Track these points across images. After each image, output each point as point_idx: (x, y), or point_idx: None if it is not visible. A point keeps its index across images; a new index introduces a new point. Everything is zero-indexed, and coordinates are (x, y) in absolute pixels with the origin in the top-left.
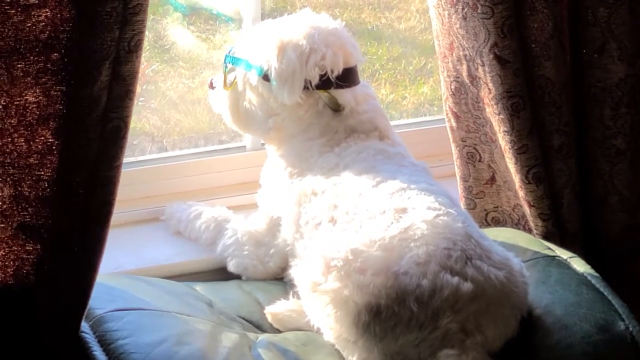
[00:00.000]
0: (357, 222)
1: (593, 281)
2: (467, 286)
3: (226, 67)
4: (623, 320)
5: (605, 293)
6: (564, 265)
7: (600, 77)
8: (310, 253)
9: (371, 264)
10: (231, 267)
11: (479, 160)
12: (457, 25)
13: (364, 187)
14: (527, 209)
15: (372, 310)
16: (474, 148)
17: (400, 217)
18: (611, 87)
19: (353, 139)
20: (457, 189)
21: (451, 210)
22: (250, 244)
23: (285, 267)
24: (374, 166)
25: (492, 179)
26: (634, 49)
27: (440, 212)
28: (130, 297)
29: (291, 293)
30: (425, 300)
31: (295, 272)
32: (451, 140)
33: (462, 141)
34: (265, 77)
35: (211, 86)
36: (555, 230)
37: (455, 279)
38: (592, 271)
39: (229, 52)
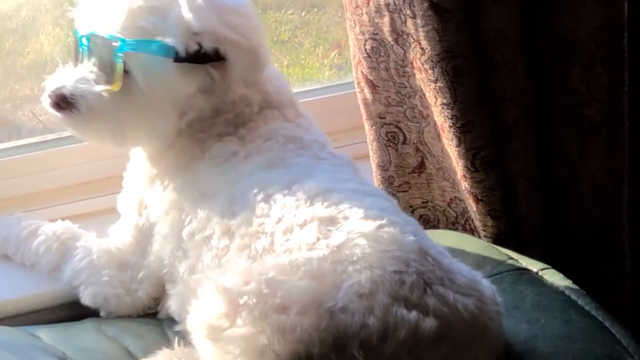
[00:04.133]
0: (265, 238)
1: (581, 301)
2: (429, 323)
3: (110, 56)
4: (631, 355)
5: (601, 318)
6: (537, 281)
7: (567, 25)
8: (205, 288)
9: (296, 299)
10: (86, 298)
11: (403, 142)
12: None
13: (271, 188)
14: (472, 205)
15: None
16: (397, 126)
17: (329, 230)
18: (582, 38)
19: (263, 117)
20: (372, 180)
21: (396, 219)
22: (111, 267)
23: (159, 297)
24: (283, 159)
25: (421, 166)
26: None
27: (383, 221)
28: None
29: (175, 338)
30: (374, 347)
31: (175, 304)
32: (364, 116)
33: (380, 118)
34: (182, 59)
35: (62, 102)
36: (509, 231)
37: (413, 314)
38: (575, 286)
39: (89, 33)
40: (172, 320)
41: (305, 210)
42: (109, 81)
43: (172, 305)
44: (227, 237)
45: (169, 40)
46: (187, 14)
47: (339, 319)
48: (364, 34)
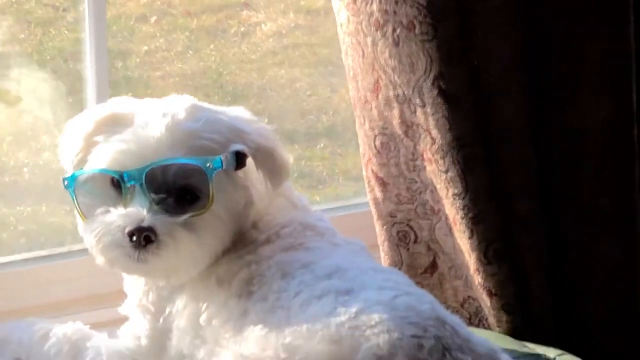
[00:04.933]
0: (282, 312)
1: None
2: None
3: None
4: None
5: None
6: None
7: (578, 119)
8: (222, 356)
9: None
10: None
11: (415, 242)
12: (386, 55)
13: (291, 267)
14: (486, 300)
15: None
16: (408, 225)
17: (346, 300)
18: (593, 131)
19: (276, 207)
20: None
21: (412, 290)
22: None
23: None
24: (302, 243)
25: (434, 266)
26: (620, 77)
27: (399, 292)
28: None
29: None
30: None
31: None
32: (375, 217)
33: (391, 217)
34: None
35: (151, 235)
36: (524, 326)
37: None
38: None
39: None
40: None
41: (323, 284)
42: (183, 209)
43: None
44: (244, 317)
45: (235, 148)
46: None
47: None
48: (373, 130)
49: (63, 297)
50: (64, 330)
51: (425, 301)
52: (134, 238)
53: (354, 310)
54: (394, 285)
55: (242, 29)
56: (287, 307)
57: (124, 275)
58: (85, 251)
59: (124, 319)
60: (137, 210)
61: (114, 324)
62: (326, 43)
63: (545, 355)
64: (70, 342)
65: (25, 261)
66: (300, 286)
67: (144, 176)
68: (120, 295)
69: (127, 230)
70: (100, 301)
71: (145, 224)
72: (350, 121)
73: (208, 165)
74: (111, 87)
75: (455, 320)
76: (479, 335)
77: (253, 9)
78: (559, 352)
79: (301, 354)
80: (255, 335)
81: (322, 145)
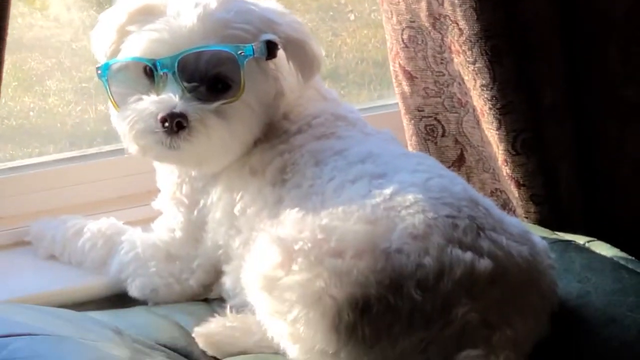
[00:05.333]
0: (316, 197)
1: (630, 265)
2: (484, 264)
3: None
4: None
5: None
6: (585, 249)
7: (602, 5)
8: (259, 241)
9: (351, 243)
10: (134, 290)
11: (442, 135)
12: None
13: (323, 154)
14: (514, 191)
15: (358, 306)
16: (435, 118)
17: (380, 182)
18: (618, 18)
19: (306, 99)
20: None
21: (445, 172)
22: (158, 259)
23: (209, 284)
24: (334, 132)
25: (461, 159)
26: None
27: (432, 174)
28: (11, 322)
29: (228, 307)
30: (430, 286)
31: (229, 281)
32: (403, 111)
33: (419, 111)
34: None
35: (185, 121)
36: (552, 217)
37: (468, 255)
38: (623, 254)
39: (180, 52)
40: (221, 300)
41: (356, 168)
42: (215, 97)
43: (226, 282)
44: (278, 204)
45: (265, 37)
46: (266, 8)
47: (394, 260)
48: (401, 24)
49: (94, 197)
50: (97, 225)
51: (457, 182)
52: (166, 124)
53: (388, 191)
54: (426, 168)
55: None
56: (321, 192)
57: (157, 168)
58: (114, 152)
59: (155, 218)
60: (169, 97)
61: (146, 222)
62: None
63: (575, 242)
64: (104, 236)
65: (56, 161)
66: (333, 172)
67: (176, 64)
68: (150, 196)
69: (159, 116)
70: (131, 200)
71: (177, 110)
72: (352, 63)
73: (240, 52)
74: None
75: (488, 202)
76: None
77: None
78: (588, 238)
79: (337, 234)
80: (291, 218)
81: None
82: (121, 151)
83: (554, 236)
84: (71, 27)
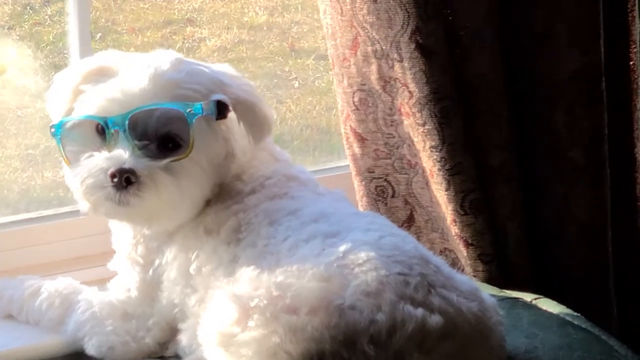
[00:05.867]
0: (271, 257)
1: (576, 321)
2: (435, 319)
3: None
4: None
5: (597, 332)
6: (532, 306)
7: (549, 71)
8: (215, 298)
9: (305, 299)
10: (91, 348)
11: (393, 196)
12: (364, 11)
13: (277, 214)
14: (463, 250)
15: None
16: (385, 179)
17: (333, 241)
18: (563, 83)
19: (260, 162)
20: None
21: (396, 231)
22: (115, 318)
23: (166, 342)
24: (286, 193)
25: (410, 219)
26: (589, 29)
27: (384, 233)
28: None
29: None
30: (383, 341)
31: (186, 338)
32: (353, 173)
33: (369, 172)
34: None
35: (133, 177)
36: (500, 274)
37: (420, 311)
38: (569, 311)
39: (130, 110)
40: (177, 358)
41: (310, 227)
42: (165, 155)
43: (183, 339)
44: (233, 263)
45: (215, 97)
46: (217, 71)
47: (348, 316)
48: (352, 86)
49: (50, 257)
50: (54, 285)
51: (408, 241)
52: (115, 179)
53: (341, 250)
54: (378, 227)
55: (187, 44)
56: (275, 251)
57: (112, 228)
58: (70, 213)
59: (110, 278)
60: (119, 154)
61: (101, 282)
62: (269, 57)
63: (522, 299)
64: (61, 295)
65: (13, 223)
66: (287, 231)
67: (126, 121)
68: (105, 257)
69: (109, 172)
70: (87, 261)
71: (127, 166)
72: (296, 130)
73: (189, 110)
74: None
75: (438, 260)
76: None
77: (197, 25)
78: (535, 295)
79: (292, 291)
80: (246, 276)
81: None
82: (77, 212)
83: (502, 294)
84: (16, 95)
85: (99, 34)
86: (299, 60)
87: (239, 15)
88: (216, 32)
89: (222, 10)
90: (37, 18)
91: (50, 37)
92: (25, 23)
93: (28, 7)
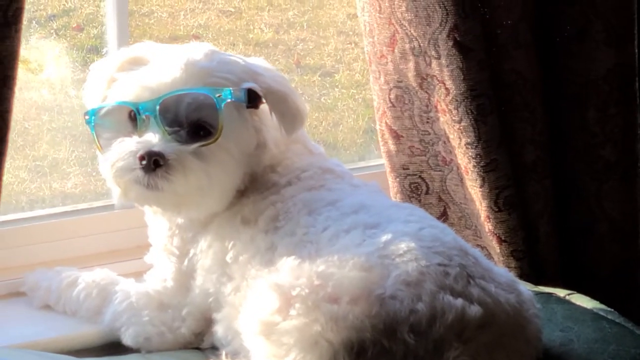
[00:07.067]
0: (310, 245)
1: (610, 316)
2: (474, 310)
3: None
4: None
5: (631, 327)
6: (566, 301)
7: (583, 70)
8: (256, 287)
9: (346, 289)
10: (127, 339)
11: (426, 193)
12: (403, 9)
13: (316, 204)
14: (496, 247)
15: (354, 350)
16: (420, 177)
17: (374, 232)
18: (596, 81)
19: (292, 153)
20: None
21: (435, 223)
22: (151, 308)
23: (201, 332)
24: (323, 185)
25: (444, 216)
26: (623, 28)
27: (423, 224)
28: None
29: (223, 353)
30: (423, 330)
31: (221, 328)
32: (388, 169)
33: (404, 169)
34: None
35: (162, 160)
36: (532, 271)
37: (459, 301)
38: (602, 306)
39: (162, 95)
40: (214, 349)
41: (350, 218)
42: (195, 141)
43: (218, 330)
44: (270, 251)
45: (246, 85)
46: (251, 62)
47: (388, 305)
48: (388, 83)
49: (86, 250)
50: (91, 276)
51: (447, 233)
52: (144, 161)
53: (382, 240)
54: (418, 219)
55: None
56: (315, 240)
57: (148, 222)
58: (106, 207)
59: (144, 272)
60: (149, 137)
61: (136, 275)
62: None
63: (555, 294)
64: (98, 286)
65: (50, 215)
66: (327, 221)
67: (157, 107)
68: (139, 250)
69: (138, 154)
70: (121, 255)
71: (155, 149)
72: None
73: (217, 95)
74: None
75: (476, 252)
76: None
77: (202, 41)
78: (568, 291)
79: (334, 280)
80: (287, 265)
81: None
82: (111, 207)
83: (535, 289)
84: (23, 107)
85: (105, 49)
86: (304, 77)
87: (244, 32)
88: (222, 48)
89: (228, 27)
90: (43, 32)
91: (57, 51)
92: (32, 37)
93: (34, 21)
